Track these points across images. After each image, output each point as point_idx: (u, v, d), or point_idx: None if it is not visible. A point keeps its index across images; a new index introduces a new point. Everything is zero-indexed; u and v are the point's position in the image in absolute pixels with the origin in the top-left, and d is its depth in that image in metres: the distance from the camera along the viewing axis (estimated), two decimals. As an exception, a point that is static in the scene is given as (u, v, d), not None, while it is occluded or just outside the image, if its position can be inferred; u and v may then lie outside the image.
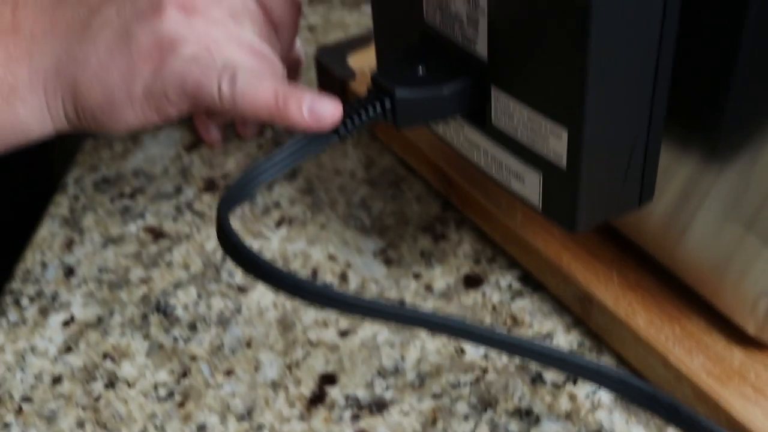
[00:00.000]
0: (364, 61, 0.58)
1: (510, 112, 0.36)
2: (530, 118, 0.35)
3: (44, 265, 0.50)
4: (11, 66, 0.39)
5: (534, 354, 0.36)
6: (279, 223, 0.50)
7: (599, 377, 0.35)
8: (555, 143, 0.34)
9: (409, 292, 0.45)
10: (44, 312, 0.47)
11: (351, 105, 0.37)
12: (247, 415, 0.40)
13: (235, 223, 0.51)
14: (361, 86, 0.56)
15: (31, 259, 0.50)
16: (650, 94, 0.34)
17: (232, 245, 0.34)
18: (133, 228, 0.51)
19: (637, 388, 0.35)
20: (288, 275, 0.34)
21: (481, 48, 0.36)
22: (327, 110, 0.36)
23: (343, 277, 0.47)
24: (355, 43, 0.60)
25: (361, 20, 0.69)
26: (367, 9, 0.70)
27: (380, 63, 0.45)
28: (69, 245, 0.51)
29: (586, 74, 0.31)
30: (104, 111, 0.40)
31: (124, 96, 0.39)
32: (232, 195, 0.35)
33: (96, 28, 0.39)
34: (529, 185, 0.37)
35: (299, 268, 0.48)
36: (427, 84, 0.38)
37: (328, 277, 0.47)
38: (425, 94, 0.37)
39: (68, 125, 0.41)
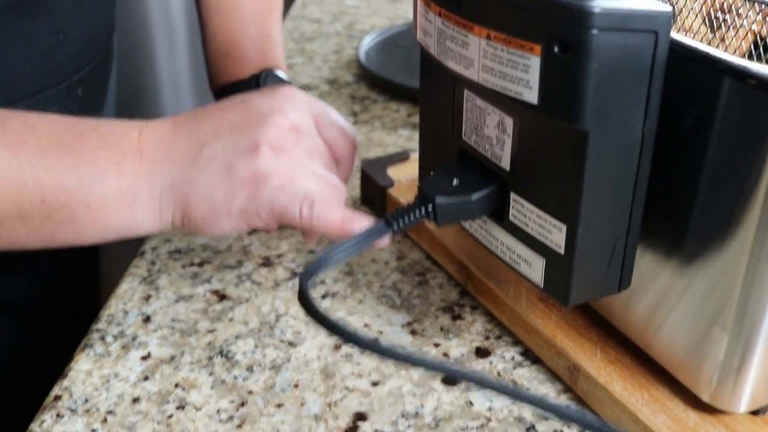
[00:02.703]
0: (401, 173, 0.70)
1: (524, 211, 0.47)
2: (539, 216, 0.46)
3: (126, 312, 0.60)
4: (136, 180, 0.50)
5: (537, 403, 0.44)
6: (324, 296, 0.61)
7: (583, 425, 0.44)
8: (556, 235, 0.45)
9: (430, 357, 0.55)
10: (126, 348, 0.57)
11: (403, 208, 0.49)
12: (294, 438, 0.49)
13: (287, 292, 0.61)
14: (398, 192, 0.68)
15: (114, 306, 0.60)
16: (629, 206, 0.45)
17: (309, 305, 0.44)
18: (201, 290, 0.62)
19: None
20: (344, 328, 0.44)
21: (505, 162, 0.48)
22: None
23: (375, 342, 0.57)
24: (394, 159, 0.73)
25: (398, 141, 0.82)
26: (403, 132, 0.83)
27: (423, 174, 0.57)
28: (147, 299, 0.61)
29: (581, 186, 0.43)
30: (206, 221, 0.51)
31: (224, 212, 0.51)
32: (311, 270, 0.45)
33: (205, 159, 0.51)
34: (535, 268, 0.48)
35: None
36: (460, 193, 0.49)
37: (364, 339, 0.57)
38: (458, 200, 0.49)
39: (171, 228, 0.53)
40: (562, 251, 0.45)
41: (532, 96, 0.42)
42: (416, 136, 0.82)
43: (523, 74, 0.42)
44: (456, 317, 0.59)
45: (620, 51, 0.40)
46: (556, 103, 0.42)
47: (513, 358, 0.55)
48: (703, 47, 0.42)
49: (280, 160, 0.51)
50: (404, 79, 0.90)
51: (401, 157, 0.73)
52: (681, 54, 0.42)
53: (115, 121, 0.52)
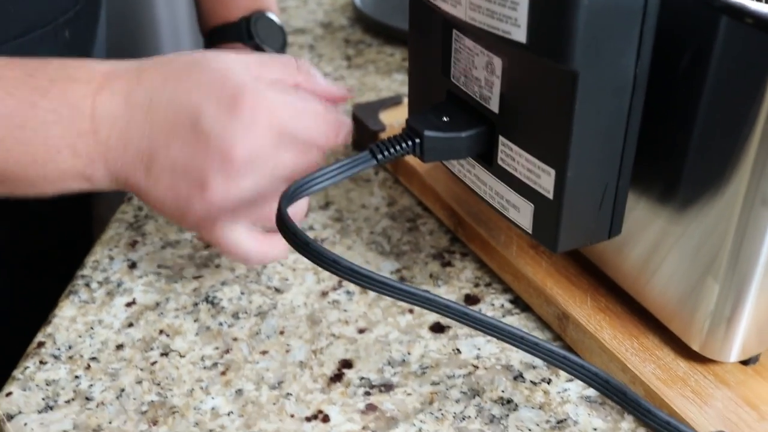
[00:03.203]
0: (393, 118, 0.69)
1: (512, 155, 0.46)
2: (527, 160, 0.45)
3: (111, 259, 0.59)
4: (91, 164, 0.47)
5: (525, 343, 0.44)
6: (312, 242, 0.60)
7: (565, 363, 0.43)
8: (545, 180, 0.44)
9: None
10: (111, 294, 0.56)
11: (388, 139, 0.47)
12: (278, 385, 0.49)
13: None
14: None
15: (100, 253, 0.60)
16: (620, 151, 0.44)
17: (289, 230, 0.43)
18: (188, 236, 0.61)
19: (594, 374, 0.43)
20: (329, 253, 0.42)
21: (494, 105, 0.46)
22: None
23: (364, 288, 0.56)
24: (387, 103, 0.71)
25: (391, 86, 0.80)
26: (397, 76, 0.81)
27: (412, 111, 0.55)
28: (133, 245, 0.60)
29: (570, 130, 0.41)
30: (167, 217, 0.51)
31: (179, 222, 0.51)
32: (291, 193, 0.44)
33: (157, 170, 0.47)
34: (523, 214, 0.46)
35: (327, 280, 0.57)
36: (449, 129, 0.48)
37: (351, 287, 0.56)
38: (447, 136, 0.47)
39: None
40: (551, 196, 0.44)
41: (520, 35, 0.41)
42: (411, 80, 0.81)
43: (510, 12, 0.41)
44: (446, 264, 0.58)
45: (612, -14, 0.38)
46: (545, 42, 0.40)
47: (502, 306, 0.54)
48: (700, -17, 0.40)
49: (230, 193, 0.47)
50: (399, 23, 0.88)
51: (394, 101, 0.71)
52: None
53: (69, 74, 0.48)
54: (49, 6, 0.64)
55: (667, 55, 0.42)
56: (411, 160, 0.64)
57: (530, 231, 0.46)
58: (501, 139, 0.46)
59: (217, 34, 0.75)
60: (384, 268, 0.58)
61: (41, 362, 0.51)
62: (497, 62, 0.45)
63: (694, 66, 0.41)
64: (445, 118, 0.48)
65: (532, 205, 0.46)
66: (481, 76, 0.46)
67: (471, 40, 0.46)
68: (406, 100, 0.72)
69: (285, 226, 0.43)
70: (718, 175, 0.42)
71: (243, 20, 0.74)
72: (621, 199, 0.46)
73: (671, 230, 0.45)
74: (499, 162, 0.47)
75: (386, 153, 0.47)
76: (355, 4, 0.93)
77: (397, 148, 0.47)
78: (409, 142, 0.47)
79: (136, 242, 0.60)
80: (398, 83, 0.80)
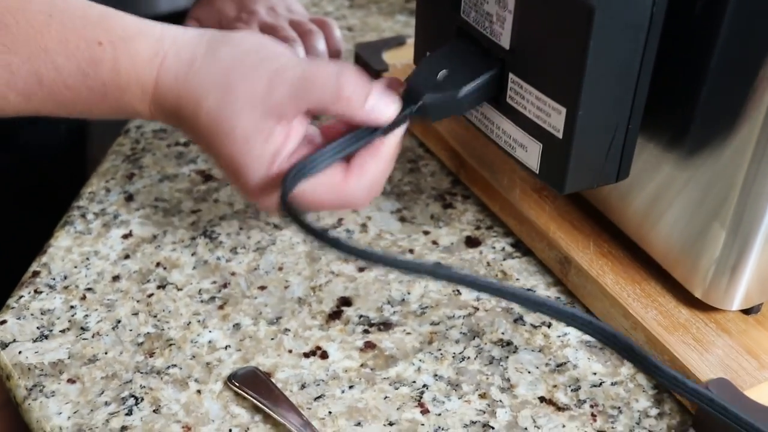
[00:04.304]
0: (396, 58, 0.67)
1: (522, 93, 0.45)
2: (538, 98, 0.44)
3: (108, 191, 0.58)
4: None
5: (521, 299, 0.43)
6: (312, 180, 0.59)
7: (573, 319, 0.43)
8: (555, 119, 0.43)
9: (418, 245, 0.54)
10: (107, 226, 0.55)
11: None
12: (276, 320, 0.48)
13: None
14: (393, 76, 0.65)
15: (96, 184, 0.59)
16: (633, 91, 0.43)
17: (294, 214, 0.42)
18: (185, 170, 0.60)
19: (601, 329, 0.43)
20: (329, 235, 0.42)
21: (505, 41, 0.45)
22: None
23: (364, 227, 0.55)
24: (390, 43, 0.70)
25: (394, 26, 0.78)
26: (400, 17, 0.79)
27: (418, 55, 0.54)
28: (130, 177, 0.59)
29: (584, 67, 0.40)
30: None
31: None
32: (294, 174, 0.43)
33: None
34: (531, 153, 0.46)
35: (327, 217, 0.56)
36: (450, 87, 0.46)
37: (351, 225, 0.55)
38: (448, 96, 0.46)
39: None
40: (560, 135, 0.43)
41: (537, -34, 0.39)
42: (413, 22, 0.78)
43: (528, -59, 0.39)
44: (447, 206, 0.57)
45: None
46: (562, -26, 0.39)
47: (503, 249, 0.54)
48: None
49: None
50: (405, -39, 0.85)
51: (397, 41, 0.70)
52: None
53: (120, 84, 0.45)
54: None
55: (684, -6, 0.41)
56: (414, 100, 0.63)
57: (537, 171, 0.45)
58: (511, 76, 0.45)
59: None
60: (384, 208, 0.57)
61: (36, 291, 0.50)
62: (510, -4, 0.43)
63: (711, 5, 0.40)
64: (445, 72, 0.46)
65: (540, 145, 0.45)
66: (493, 11, 0.45)
67: (484, -27, 0.45)
68: (409, 41, 0.70)
69: (294, 215, 0.42)
70: (730, 120, 0.41)
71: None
72: (631, 141, 0.45)
73: (679, 176, 0.45)
74: (508, 100, 0.46)
75: (390, 125, 0.45)
76: (359, -58, 0.90)
77: (402, 117, 0.45)
78: (414, 109, 0.45)
79: (133, 174, 0.59)
80: (401, 24, 0.79)
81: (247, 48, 0.45)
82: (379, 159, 0.45)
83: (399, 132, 0.46)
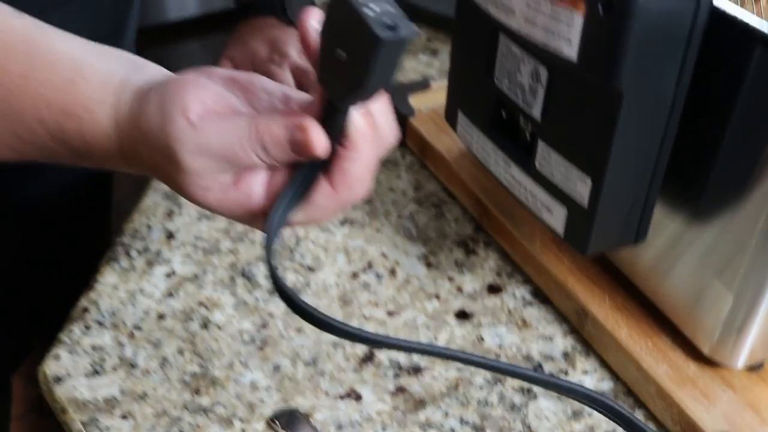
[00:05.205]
0: (422, 102, 0.71)
1: (551, 161, 0.48)
2: (565, 167, 0.47)
3: (149, 228, 0.61)
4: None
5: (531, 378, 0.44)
6: (343, 223, 0.62)
7: (585, 398, 0.44)
8: (581, 188, 0.46)
9: (444, 290, 0.57)
10: (150, 263, 0.58)
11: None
12: (313, 362, 0.52)
13: (306, 217, 0.63)
14: (419, 122, 0.68)
15: (137, 220, 0.62)
16: (654, 165, 0.46)
17: (285, 294, 0.37)
18: (222, 209, 0.63)
19: (605, 404, 0.43)
20: (332, 322, 0.37)
21: (536, 111, 0.48)
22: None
23: (392, 272, 0.59)
24: (415, 87, 0.73)
25: (417, 66, 0.82)
26: (423, 57, 0.83)
27: (450, 110, 0.57)
28: (170, 215, 0.63)
29: (611, 144, 0.44)
30: None
31: None
32: (268, 244, 0.38)
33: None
34: (556, 217, 0.49)
35: (357, 261, 0.59)
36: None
37: (381, 269, 0.59)
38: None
39: None
40: (585, 203, 0.47)
41: (571, 52, 0.43)
42: (435, 62, 0.82)
43: (564, 30, 0.43)
44: (470, 252, 0.61)
45: (662, 15, 0.41)
46: (595, 62, 0.42)
47: (523, 297, 0.57)
48: (740, 14, 0.42)
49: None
50: (425, 2, 0.89)
51: (422, 85, 0.73)
52: (717, 19, 0.43)
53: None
54: None
55: (702, 77, 0.44)
56: (439, 146, 0.66)
57: (562, 234, 0.49)
58: (541, 143, 0.49)
59: (251, 8, 0.76)
60: (411, 253, 0.60)
61: (86, 327, 0.53)
62: (543, 72, 0.47)
63: (726, 88, 0.44)
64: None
65: (566, 210, 0.48)
66: (526, 82, 0.49)
67: (518, 48, 0.48)
68: (434, 84, 0.74)
69: (283, 292, 0.37)
70: (741, 191, 0.45)
71: (278, -5, 0.75)
72: (649, 207, 0.48)
73: (687, 235, 0.48)
74: (537, 165, 0.49)
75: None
76: (382, -21, 0.94)
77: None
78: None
79: (173, 212, 0.63)
80: (423, 64, 0.82)
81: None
82: (354, 152, 0.40)
83: (355, 117, 0.39)
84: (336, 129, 0.38)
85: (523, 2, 0.44)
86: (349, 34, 0.35)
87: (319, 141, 0.38)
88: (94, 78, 0.43)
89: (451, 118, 0.58)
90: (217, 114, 0.40)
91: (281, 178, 0.41)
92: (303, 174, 0.40)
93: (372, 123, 0.40)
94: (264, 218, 0.41)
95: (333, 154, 0.39)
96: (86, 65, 0.43)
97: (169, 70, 0.45)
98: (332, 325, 0.36)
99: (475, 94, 0.54)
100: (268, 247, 0.39)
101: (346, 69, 0.36)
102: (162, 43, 2.49)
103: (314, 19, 0.39)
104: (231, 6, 0.81)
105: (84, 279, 0.59)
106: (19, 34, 0.44)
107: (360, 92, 0.36)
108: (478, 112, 0.54)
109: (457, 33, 0.55)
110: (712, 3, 0.42)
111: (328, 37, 0.37)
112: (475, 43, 0.53)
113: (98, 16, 0.67)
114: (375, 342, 0.40)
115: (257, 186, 0.41)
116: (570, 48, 0.43)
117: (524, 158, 0.50)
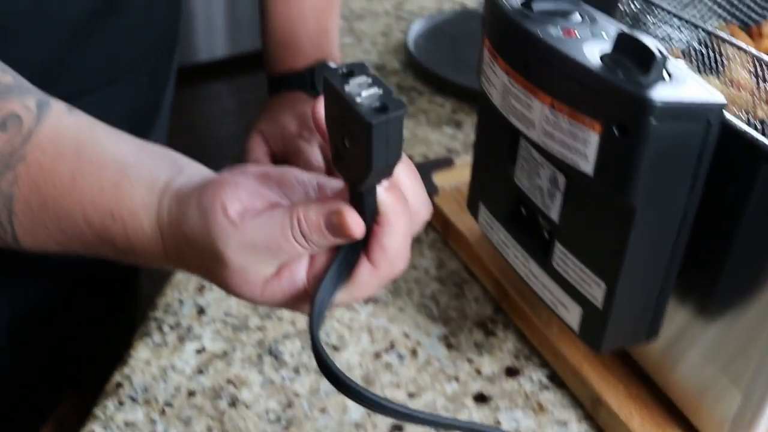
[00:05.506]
0: (445, 180, 0.73)
1: (567, 261, 0.51)
2: (581, 270, 0.50)
3: (181, 302, 0.64)
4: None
5: None
6: (367, 301, 0.65)
7: None
8: (596, 290, 0.49)
9: (463, 373, 0.60)
10: (182, 339, 0.61)
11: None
12: (336, 444, 0.54)
13: (332, 294, 0.65)
14: (442, 201, 0.71)
15: (170, 295, 0.65)
16: (665, 270, 0.48)
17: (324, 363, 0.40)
18: (251, 284, 0.66)
19: None
20: (371, 397, 0.39)
21: (554, 214, 0.51)
22: None
23: (414, 353, 0.61)
24: (439, 164, 0.76)
25: (441, 139, 0.84)
26: (447, 129, 0.86)
27: (471, 202, 0.60)
28: (200, 290, 0.65)
29: (624, 253, 0.46)
30: None
31: None
32: (315, 322, 0.41)
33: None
34: (572, 314, 0.51)
35: (380, 340, 0.62)
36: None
37: (403, 350, 0.61)
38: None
39: None
40: (599, 305, 0.49)
41: (587, 167, 0.45)
42: (459, 135, 0.85)
43: (581, 146, 0.45)
44: (489, 333, 0.63)
45: (674, 136, 0.43)
46: (610, 178, 0.45)
47: (540, 381, 0.59)
48: (748, 131, 0.45)
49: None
50: (450, 73, 0.92)
51: (446, 162, 0.76)
52: (727, 135, 0.45)
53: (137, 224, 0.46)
54: (135, 58, 0.68)
55: (712, 188, 0.46)
56: (461, 225, 0.69)
57: (577, 331, 0.51)
58: (558, 245, 0.51)
59: (282, 82, 0.79)
60: (432, 333, 0.63)
61: (120, 402, 0.56)
62: (562, 179, 0.49)
63: (735, 200, 0.46)
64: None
65: (581, 309, 0.50)
66: (544, 185, 0.51)
67: (538, 153, 0.51)
68: (458, 161, 0.76)
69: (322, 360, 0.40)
70: (749, 295, 0.47)
71: (307, 71, 0.78)
72: (661, 307, 0.50)
73: (695, 330, 0.50)
74: (554, 264, 0.52)
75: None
76: (407, 48, 0.97)
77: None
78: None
79: (203, 287, 0.66)
80: (448, 137, 0.85)
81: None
82: (388, 227, 0.41)
83: (381, 193, 0.41)
84: (368, 208, 0.40)
85: (543, 117, 0.47)
86: (346, 123, 0.38)
87: (354, 222, 0.41)
88: (139, 182, 0.46)
89: (473, 207, 0.61)
90: (255, 209, 0.43)
91: (321, 262, 0.43)
92: (343, 255, 0.42)
93: (400, 196, 0.42)
94: (307, 302, 0.43)
95: (369, 233, 0.41)
96: (132, 168, 0.46)
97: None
98: (385, 406, 0.39)
99: (496, 189, 0.56)
100: (313, 330, 0.41)
101: (355, 155, 0.38)
102: (192, 82, 2.56)
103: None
104: (258, 48, 0.83)
105: (111, 333, 0.62)
106: (71, 134, 0.47)
107: (374, 174, 0.38)
108: (499, 206, 0.57)
109: (480, 129, 0.58)
110: (722, 122, 0.44)
111: (331, 127, 0.40)
112: (496, 142, 0.55)
113: (138, 93, 0.71)
114: (419, 420, 0.41)
115: (300, 272, 0.43)
116: (586, 163, 0.45)
117: (542, 255, 0.53)
